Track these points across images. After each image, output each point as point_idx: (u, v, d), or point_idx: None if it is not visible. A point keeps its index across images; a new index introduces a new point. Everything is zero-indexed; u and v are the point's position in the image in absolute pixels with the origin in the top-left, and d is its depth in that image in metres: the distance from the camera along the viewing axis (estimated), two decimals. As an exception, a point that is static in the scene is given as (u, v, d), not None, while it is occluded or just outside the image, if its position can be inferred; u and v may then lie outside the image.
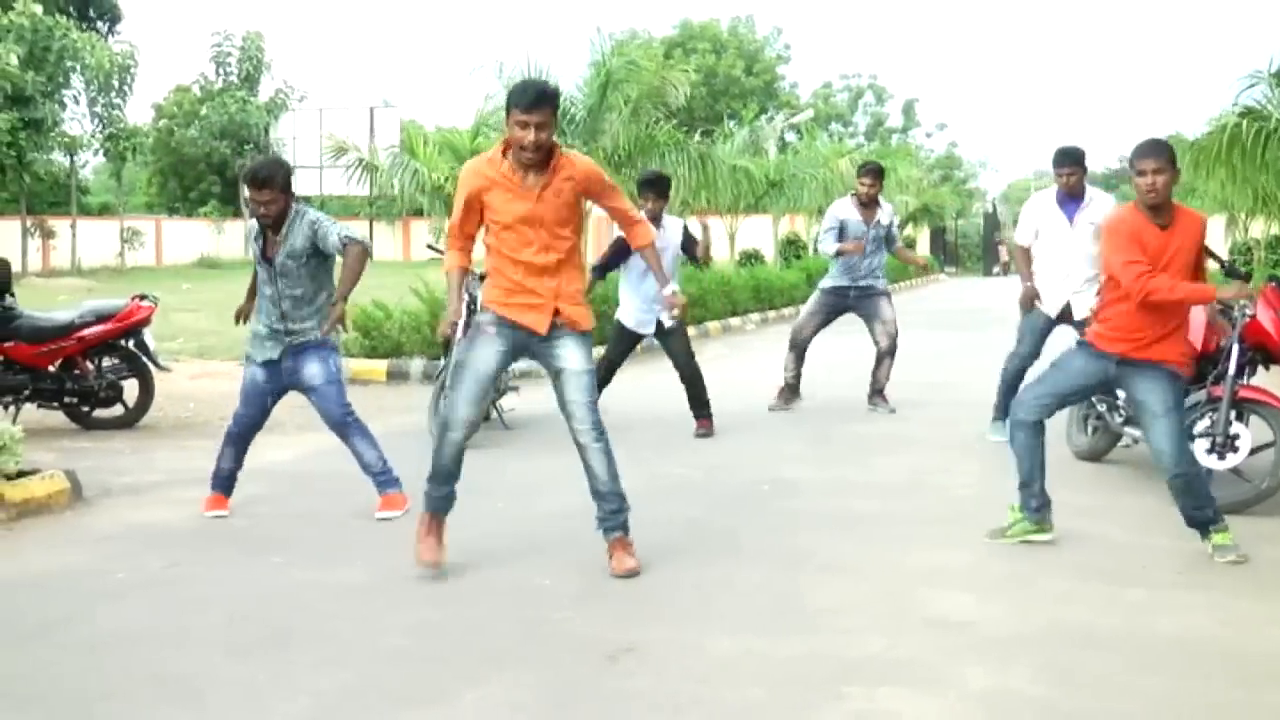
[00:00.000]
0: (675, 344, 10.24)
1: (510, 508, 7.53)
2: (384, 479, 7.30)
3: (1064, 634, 5.24)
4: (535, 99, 5.65)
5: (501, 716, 4.34)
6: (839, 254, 11.18)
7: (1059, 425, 8.30)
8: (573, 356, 5.98)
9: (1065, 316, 9.34)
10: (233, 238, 46.72)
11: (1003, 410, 9.71)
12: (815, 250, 26.20)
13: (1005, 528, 6.69)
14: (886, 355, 11.33)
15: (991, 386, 9.86)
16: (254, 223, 7.21)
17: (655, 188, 10.11)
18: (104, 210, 49.05)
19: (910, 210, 44.91)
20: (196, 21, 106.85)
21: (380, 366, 13.66)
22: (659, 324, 10.14)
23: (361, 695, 4.52)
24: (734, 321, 21.70)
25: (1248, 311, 7.69)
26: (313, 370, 7.15)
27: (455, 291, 6.06)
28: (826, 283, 11.58)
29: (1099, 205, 9.25)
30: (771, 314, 23.77)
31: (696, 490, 8.04)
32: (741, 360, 16.38)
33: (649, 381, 10.05)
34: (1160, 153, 6.31)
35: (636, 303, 10.08)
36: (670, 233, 10.01)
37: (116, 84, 38.44)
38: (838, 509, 7.50)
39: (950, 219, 53.43)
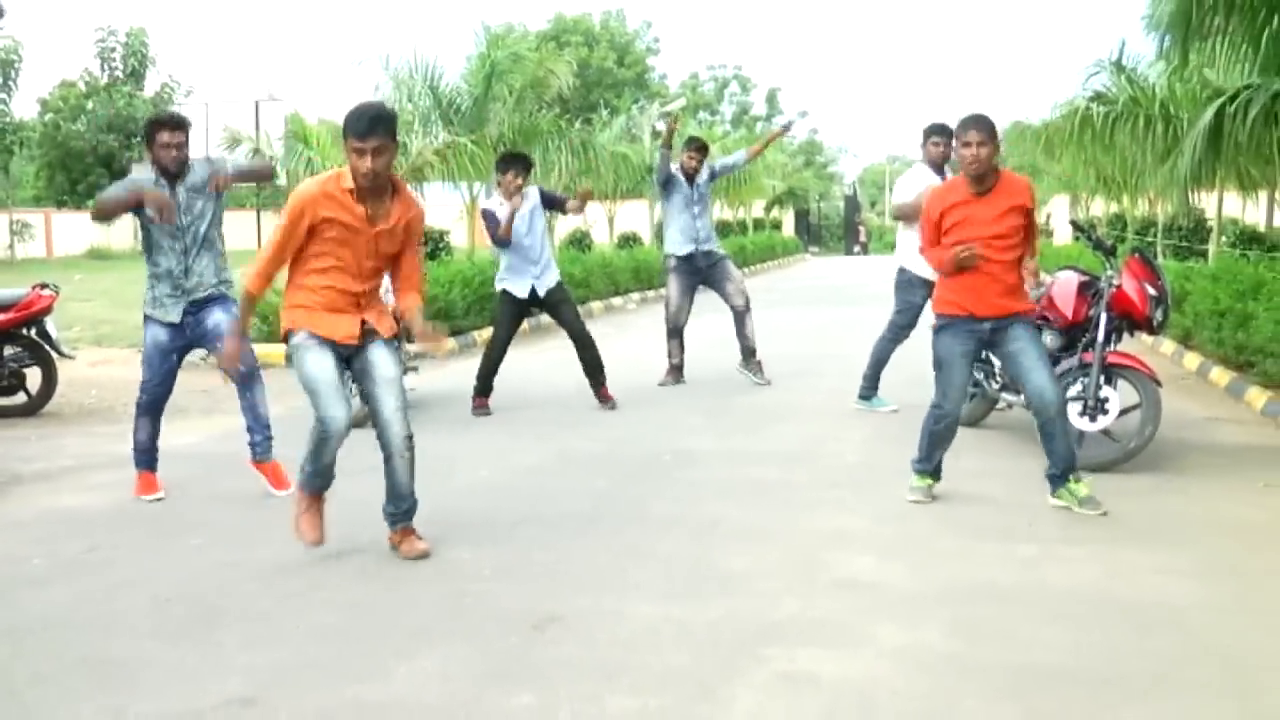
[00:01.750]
0: (566, 311, 10.13)
1: (422, 485, 7.30)
2: (265, 443, 7.17)
3: (965, 590, 5.24)
4: (370, 125, 5.25)
5: (435, 689, 4.19)
6: (670, 205, 11.22)
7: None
8: (385, 363, 5.72)
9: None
10: (122, 230, 45.41)
11: (872, 382, 9.79)
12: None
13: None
14: (745, 313, 11.24)
15: (863, 360, 9.90)
16: (151, 175, 6.95)
17: (522, 163, 10.05)
18: (-9, 203, 47.53)
19: (776, 193, 45.27)
20: (79, 17, 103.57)
21: (279, 350, 13.31)
22: (550, 297, 10.05)
23: (295, 673, 4.34)
24: (616, 301, 21.61)
25: (1114, 282, 7.83)
26: (218, 318, 6.93)
27: (247, 314, 5.91)
28: (673, 248, 11.33)
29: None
30: (650, 293, 23.67)
31: (602, 462, 7.93)
32: (628, 338, 16.28)
33: (542, 360, 9.91)
34: (982, 126, 6.50)
35: (515, 271, 9.95)
36: (533, 197, 9.96)
37: (1, 79, 37.06)
38: (738, 477, 7.45)
39: (813, 202, 53.89)
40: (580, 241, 26.86)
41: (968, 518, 6.46)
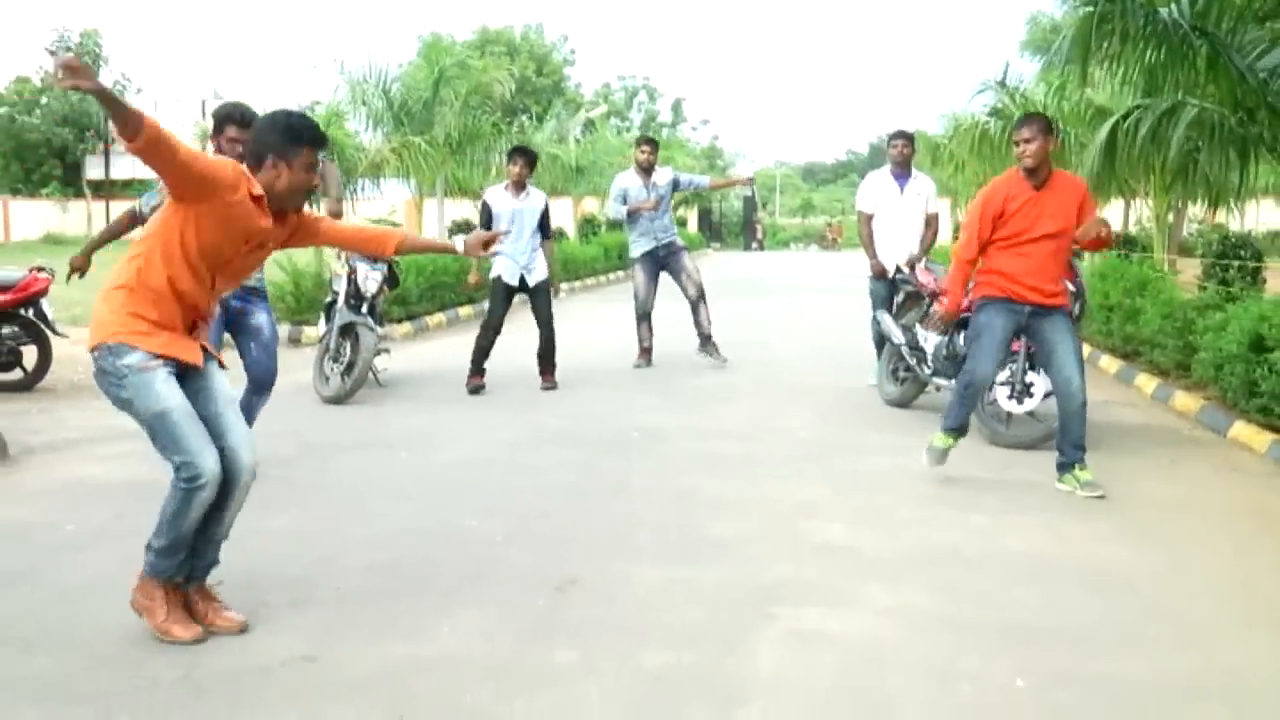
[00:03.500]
0: (542, 301, 10.13)
1: (413, 458, 7.27)
2: None
3: (933, 554, 5.33)
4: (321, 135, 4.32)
5: (479, 646, 4.16)
6: (630, 214, 11.34)
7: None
8: (224, 380, 4.38)
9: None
10: (76, 216, 44.72)
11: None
12: (607, 223, 26.41)
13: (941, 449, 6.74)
14: (699, 301, 11.39)
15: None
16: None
17: (526, 156, 10.10)
18: (-51, 192, 46.30)
19: (684, 193, 45.36)
20: (33, 16, 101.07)
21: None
22: (536, 287, 10.06)
23: (345, 631, 4.27)
24: (547, 290, 21.52)
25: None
26: (262, 320, 6.67)
27: None
28: (637, 251, 11.50)
29: (924, 180, 9.88)
30: (578, 284, 23.66)
31: (575, 438, 7.90)
32: (564, 325, 16.21)
33: (501, 343, 9.84)
34: (1033, 123, 6.58)
35: (504, 258, 9.91)
36: (534, 200, 10.03)
37: (-42, 75, 36.06)
38: (703, 451, 7.47)
39: (715, 201, 53.97)
40: (462, 230, 26.71)
41: (918, 490, 6.56)
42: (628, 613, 4.51)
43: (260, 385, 6.72)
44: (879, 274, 9.83)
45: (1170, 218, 15.90)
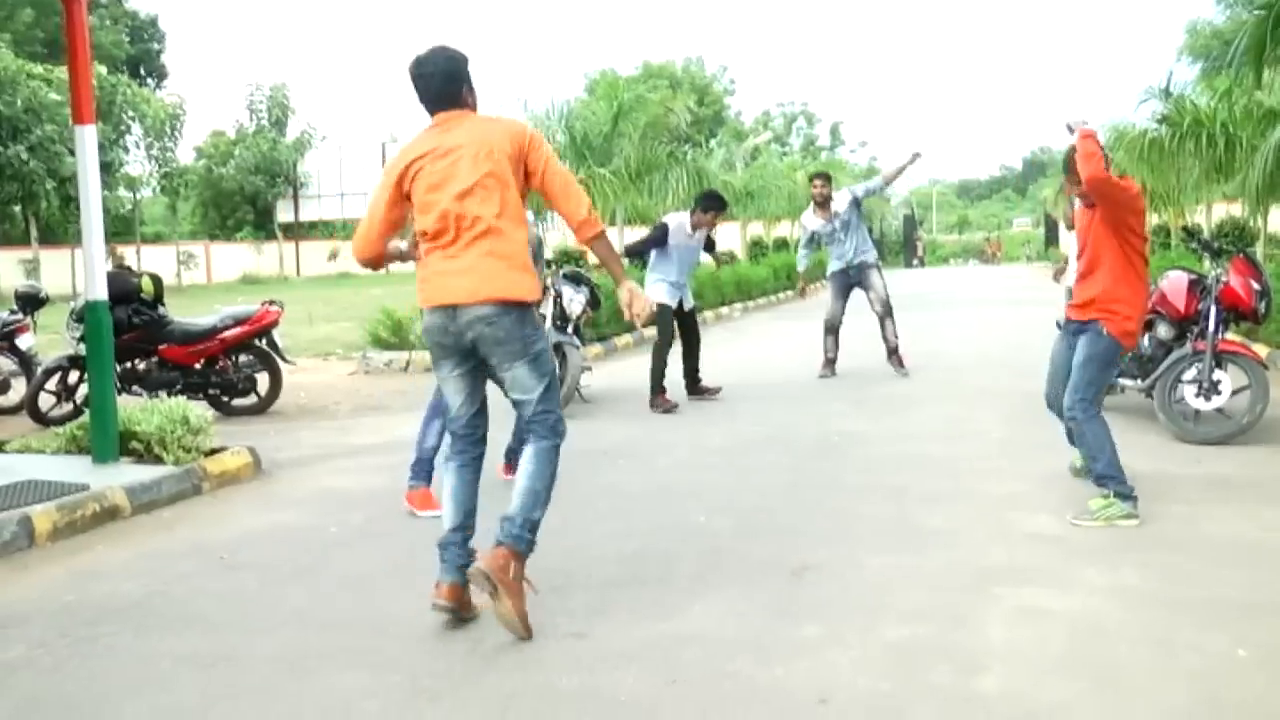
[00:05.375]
0: (692, 321, 10.51)
1: (632, 465, 7.63)
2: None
3: (1139, 541, 5.41)
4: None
5: (731, 623, 4.45)
6: (811, 242, 12.09)
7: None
8: None
9: None
10: (269, 257, 46.90)
11: None
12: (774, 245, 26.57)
13: (1094, 510, 5.80)
14: (884, 317, 11.63)
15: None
16: None
17: (719, 207, 10.48)
18: (158, 238, 48.93)
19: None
20: (225, 74, 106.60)
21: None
22: (688, 310, 10.44)
23: (606, 613, 4.59)
24: (724, 310, 21.84)
25: (1222, 279, 7.97)
26: None
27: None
28: (831, 269, 11.98)
29: None
30: (750, 304, 23.92)
31: (780, 443, 8.16)
32: (745, 341, 16.55)
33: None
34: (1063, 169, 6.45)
35: (666, 285, 10.21)
36: (700, 239, 10.46)
37: (169, 130, 38.27)
38: (905, 453, 7.65)
39: (875, 221, 53.69)
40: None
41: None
42: (861, 594, 4.75)
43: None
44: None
45: None
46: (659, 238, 10.22)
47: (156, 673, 4.11)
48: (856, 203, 11.75)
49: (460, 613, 4.47)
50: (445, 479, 4.62)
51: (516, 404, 4.48)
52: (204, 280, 43.93)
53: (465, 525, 4.55)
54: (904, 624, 4.37)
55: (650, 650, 4.19)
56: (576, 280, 10.54)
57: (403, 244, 4.70)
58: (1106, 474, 5.86)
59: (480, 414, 4.65)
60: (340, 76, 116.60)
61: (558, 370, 9.79)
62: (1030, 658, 4.02)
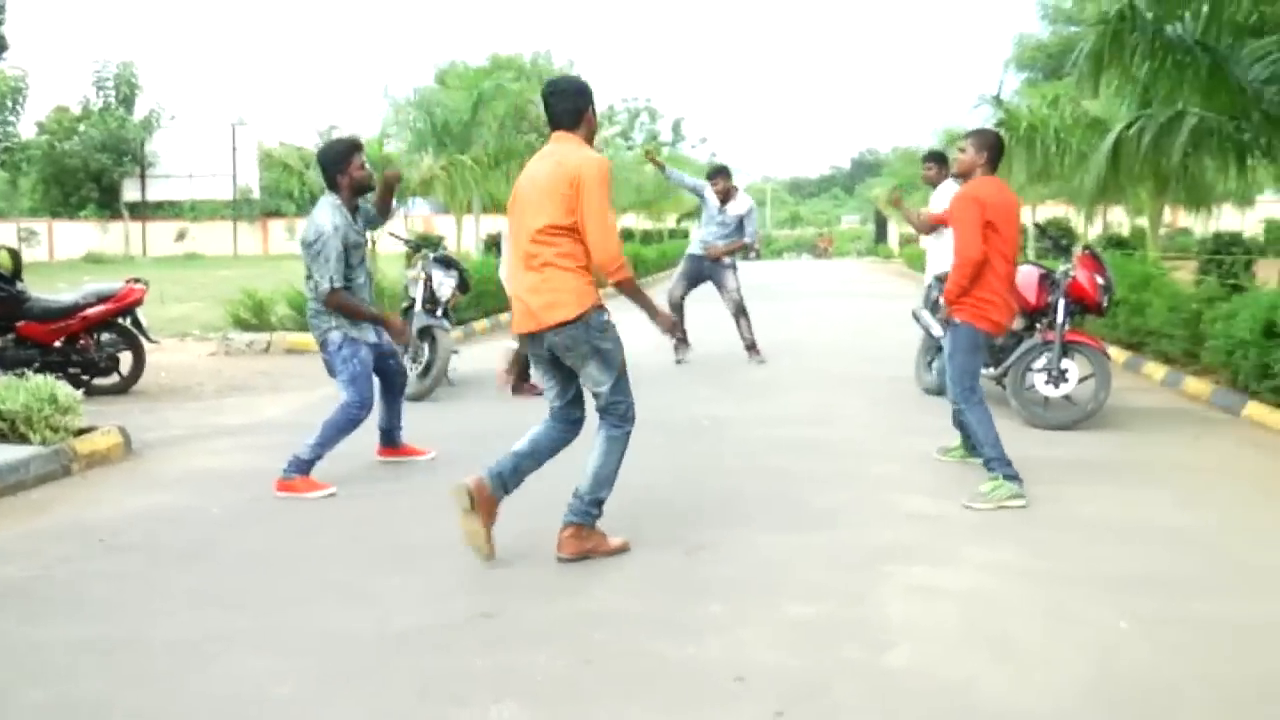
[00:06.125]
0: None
1: (507, 446, 7.43)
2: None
3: (1012, 520, 5.54)
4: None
5: (636, 602, 4.36)
6: (694, 191, 12.12)
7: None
8: None
9: None
10: (115, 236, 44.96)
11: None
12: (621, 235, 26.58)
13: (985, 492, 5.87)
14: (738, 316, 11.72)
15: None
16: (341, 216, 6.24)
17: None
18: (-2, 214, 46.49)
19: (687, 209, 45.66)
20: (71, 51, 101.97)
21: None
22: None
23: (512, 592, 4.47)
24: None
25: (1070, 274, 8.24)
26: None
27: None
28: (692, 249, 12.14)
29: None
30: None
31: (651, 426, 7.87)
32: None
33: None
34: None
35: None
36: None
37: (9, 104, 36.22)
38: (779, 436, 7.69)
39: (714, 214, 54.42)
40: (496, 245, 26.66)
41: (980, 466, 6.74)
42: (758, 572, 4.73)
43: (398, 396, 6.96)
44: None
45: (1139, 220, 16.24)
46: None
47: (53, 660, 3.82)
48: (740, 224, 11.72)
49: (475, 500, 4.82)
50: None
51: (593, 395, 4.94)
52: (46, 258, 41.71)
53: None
54: (805, 602, 4.36)
55: (561, 629, 4.09)
56: (446, 264, 10.32)
57: None
58: (994, 456, 5.99)
59: (572, 403, 5.08)
60: (190, 57, 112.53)
61: (426, 354, 9.64)
62: (931, 633, 4.05)
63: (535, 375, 4.95)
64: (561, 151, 4.80)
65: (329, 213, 6.24)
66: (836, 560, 4.90)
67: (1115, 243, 18.46)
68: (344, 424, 6.30)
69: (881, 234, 59.66)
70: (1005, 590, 4.51)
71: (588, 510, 4.91)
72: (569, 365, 4.87)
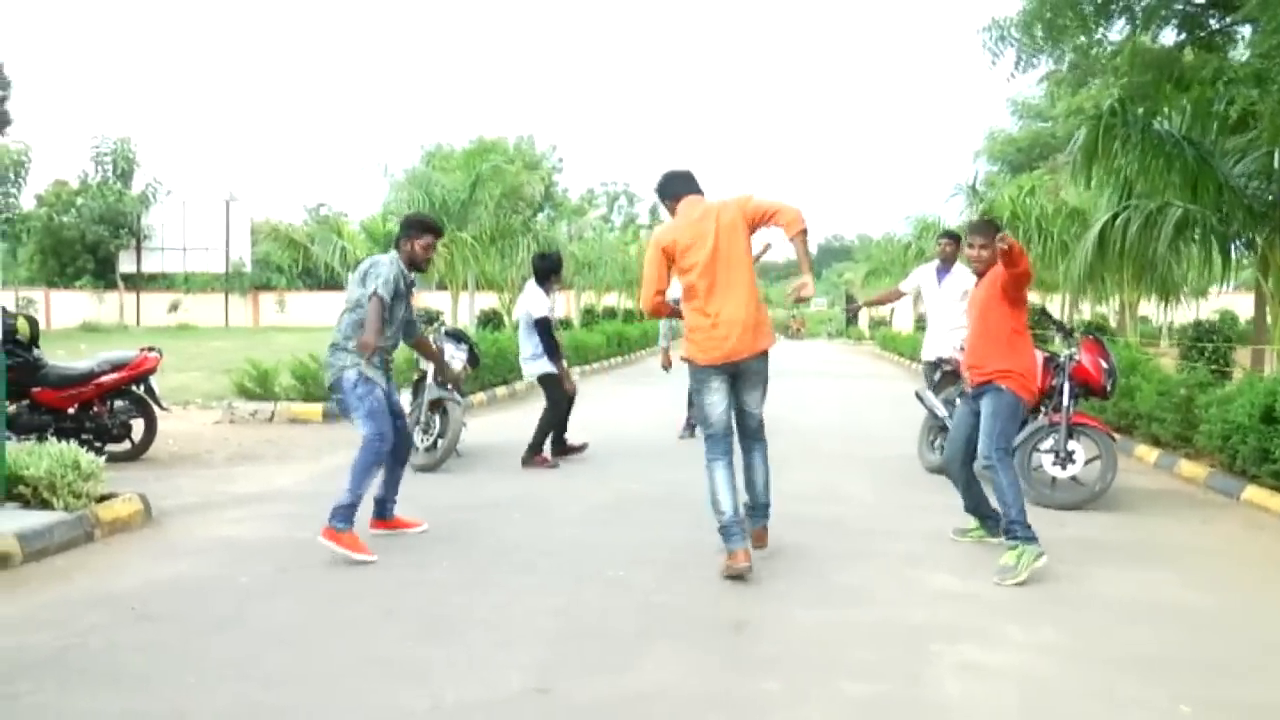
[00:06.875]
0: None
1: (527, 519, 7.32)
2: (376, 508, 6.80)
3: (1041, 599, 5.46)
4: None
5: (689, 679, 4.23)
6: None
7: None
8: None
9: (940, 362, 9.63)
10: (110, 306, 44.78)
11: None
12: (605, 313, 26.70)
13: (1012, 565, 5.82)
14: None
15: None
16: (398, 269, 6.41)
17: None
18: (-6, 283, 46.15)
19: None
20: (70, 125, 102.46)
21: (316, 409, 13.13)
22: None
23: (559, 668, 4.33)
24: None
25: (1075, 358, 8.23)
26: (399, 397, 6.84)
27: None
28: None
29: (962, 272, 9.57)
30: (587, 368, 23.77)
31: (670, 501, 7.97)
32: (589, 405, 16.33)
33: (505, 421, 9.94)
34: (984, 232, 6.48)
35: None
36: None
37: (13, 176, 36.21)
38: (794, 513, 7.48)
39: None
40: (490, 321, 26.67)
41: (995, 544, 6.65)
42: (803, 650, 4.61)
43: (402, 455, 6.80)
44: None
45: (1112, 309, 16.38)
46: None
47: (100, 734, 3.64)
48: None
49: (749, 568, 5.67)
50: (718, 476, 5.95)
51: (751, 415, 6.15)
52: (44, 327, 41.33)
53: (739, 508, 5.89)
54: (859, 680, 4.24)
55: (617, 706, 3.96)
56: (458, 338, 10.26)
57: None
58: (1017, 520, 5.96)
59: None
60: (185, 134, 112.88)
61: (438, 426, 9.51)
62: (990, 714, 3.93)
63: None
64: (707, 203, 6.02)
65: (391, 258, 6.52)
66: (881, 638, 4.79)
67: (1096, 328, 18.60)
68: (369, 460, 6.27)
69: (851, 318, 59.99)
70: (1056, 671, 4.41)
71: (767, 513, 6.25)
72: (747, 387, 6.01)
